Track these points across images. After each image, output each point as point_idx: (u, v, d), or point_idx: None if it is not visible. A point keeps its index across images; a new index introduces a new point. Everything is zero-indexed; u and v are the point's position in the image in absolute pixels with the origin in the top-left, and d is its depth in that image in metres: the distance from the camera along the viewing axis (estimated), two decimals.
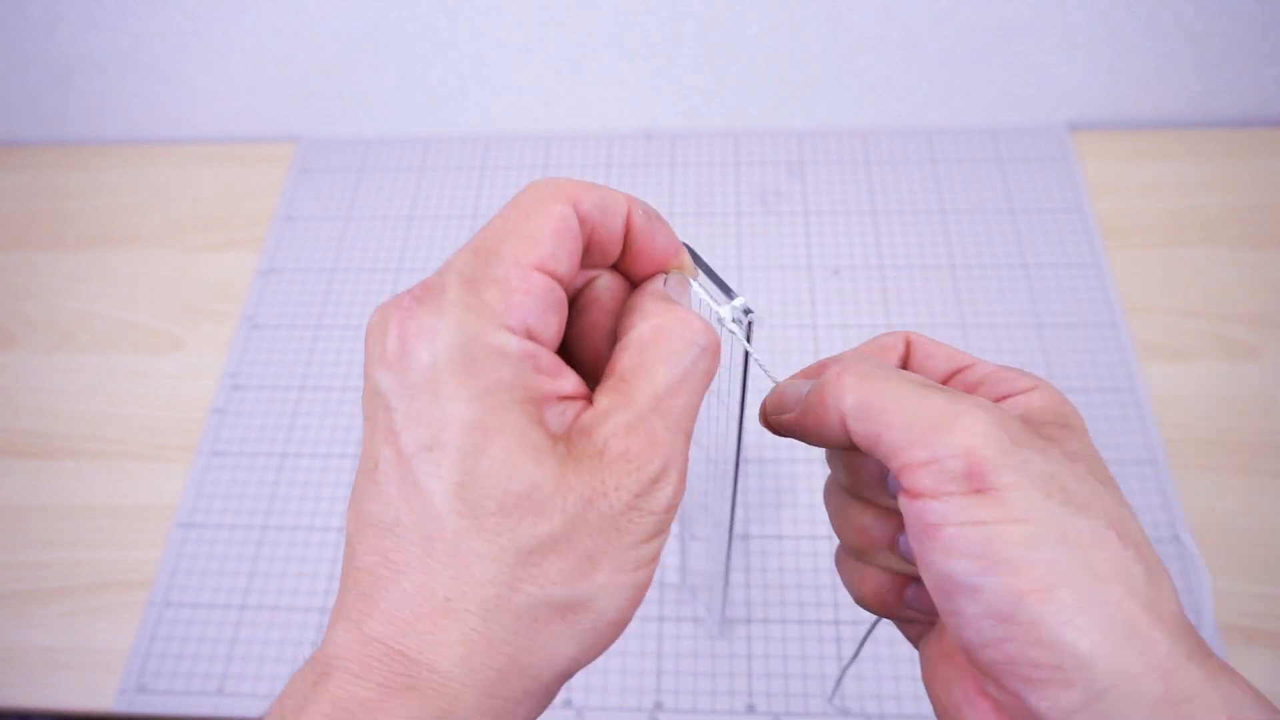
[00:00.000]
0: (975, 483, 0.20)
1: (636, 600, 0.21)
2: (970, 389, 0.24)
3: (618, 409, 0.21)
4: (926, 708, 0.49)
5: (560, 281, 0.21)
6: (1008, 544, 0.19)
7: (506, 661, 0.20)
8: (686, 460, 0.22)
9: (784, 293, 0.66)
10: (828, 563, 0.54)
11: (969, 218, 0.68)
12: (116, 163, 0.78)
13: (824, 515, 0.56)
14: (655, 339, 0.22)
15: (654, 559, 0.21)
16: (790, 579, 0.54)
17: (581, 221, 0.22)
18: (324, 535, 0.57)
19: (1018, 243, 0.67)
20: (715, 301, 0.25)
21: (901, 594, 0.25)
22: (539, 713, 0.21)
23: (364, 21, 0.69)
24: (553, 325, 0.21)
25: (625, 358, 0.22)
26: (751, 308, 0.25)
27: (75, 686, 0.54)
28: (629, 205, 0.23)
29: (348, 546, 0.21)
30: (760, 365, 0.26)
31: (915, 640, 0.26)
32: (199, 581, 0.56)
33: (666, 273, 0.24)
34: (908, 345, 0.26)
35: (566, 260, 0.21)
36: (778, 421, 0.26)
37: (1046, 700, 0.19)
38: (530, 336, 0.21)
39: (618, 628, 0.21)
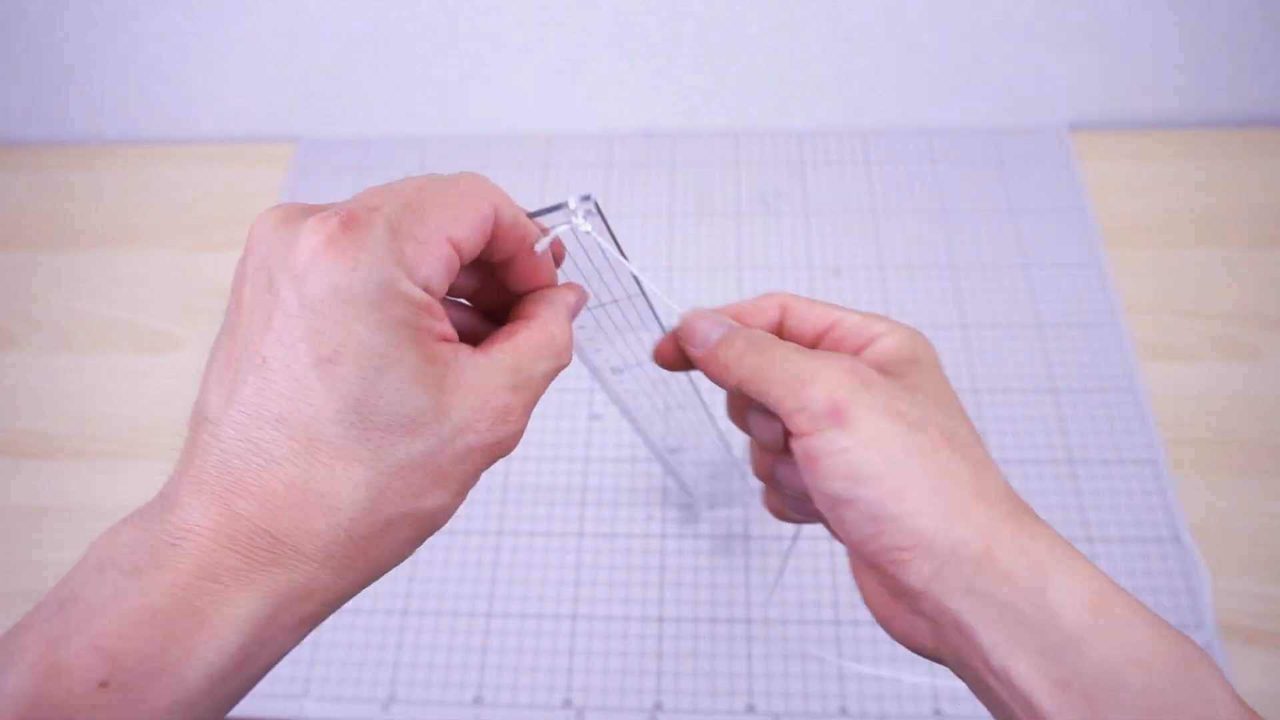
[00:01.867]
0: (836, 419, 0.26)
1: (454, 510, 0.25)
2: (836, 344, 0.31)
3: (512, 370, 0.25)
4: (927, 707, 0.50)
5: (460, 258, 0.25)
6: (867, 463, 0.25)
7: (359, 553, 0.23)
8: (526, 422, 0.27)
9: None
10: (828, 563, 0.54)
11: (969, 218, 0.69)
12: (116, 163, 0.78)
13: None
14: (550, 338, 0.27)
15: (474, 485, 0.26)
16: (790, 579, 0.54)
17: (495, 224, 0.25)
18: None
19: (1018, 243, 0.67)
20: (565, 219, 0.27)
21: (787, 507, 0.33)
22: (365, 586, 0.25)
23: (364, 21, 0.69)
24: (445, 287, 0.25)
25: (527, 337, 0.26)
26: (588, 194, 0.27)
27: None
28: (529, 239, 0.27)
29: (204, 424, 0.23)
30: (619, 250, 0.29)
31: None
32: None
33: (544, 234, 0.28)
34: (782, 311, 0.32)
35: (473, 246, 0.25)
36: (686, 351, 0.32)
37: (912, 573, 0.25)
38: (428, 291, 0.24)
39: (437, 531, 0.25)
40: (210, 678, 0.20)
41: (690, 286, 0.67)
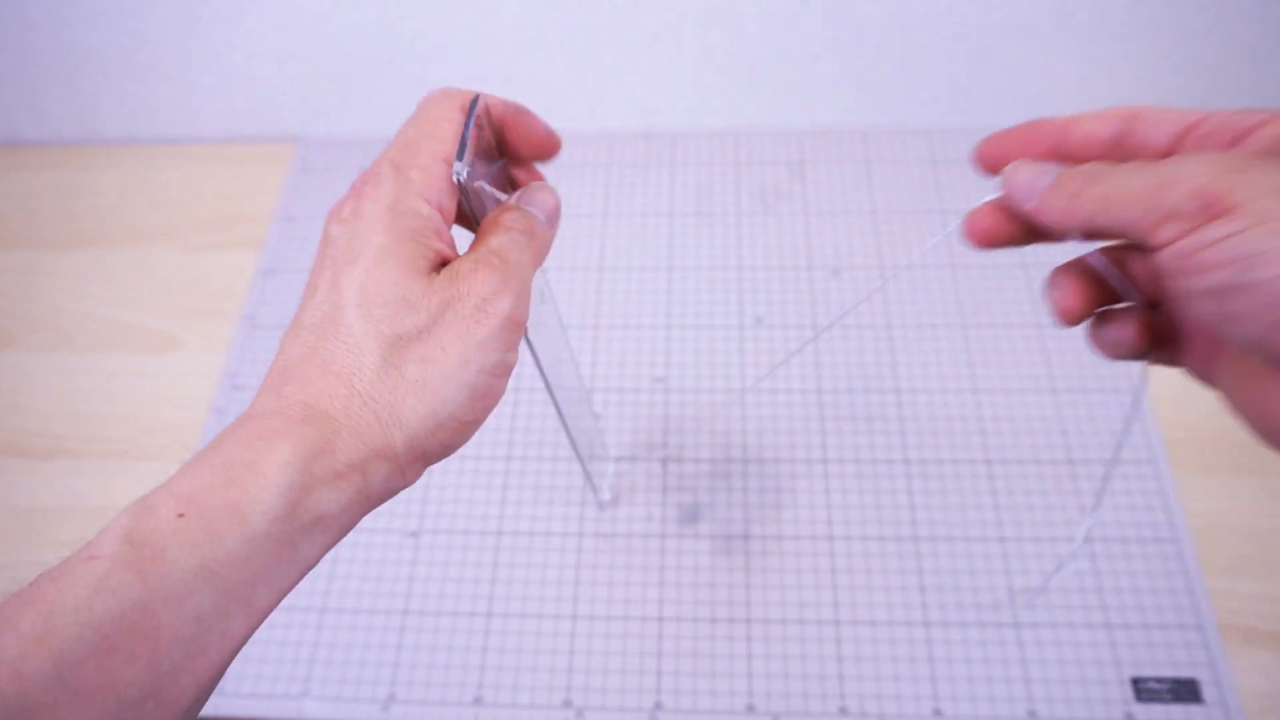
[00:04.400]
0: (1213, 211, 0.23)
1: (476, 403, 0.29)
2: (1201, 144, 0.27)
3: (470, 255, 0.30)
4: (927, 707, 0.50)
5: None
6: (1259, 240, 0.22)
7: (371, 416, 0.27)
8: (524, 299, 0.30)
9: (784, 293, 0.66)
10: (828, 562, 0.54)
11: None
12: (116, 163, 0.78)
13: (824, 515, 0.56)
14: (495, 222, 0.31)
15: (494, 371, 0.29)
16: (790, 579, 0.54)
17: (491, 113, 0.32)
18: None
19: None
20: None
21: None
22: (388, 479, 0.28)
23: (364, 21, 0.69)
24: (451, 205, 0.31)
25: (490, 229, 0.31)
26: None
27: None
28: (486, 101, 0.32)
29: (280, 349, 0.29)
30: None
31: (1201, 376, 0.29)
32: None
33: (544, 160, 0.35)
34: (1124, 122, 0.28)
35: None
36: (1016, 211, 0.29)
37: None
38: (440, 210, 0.30)
39: (458, 424, 0.29)
40: (267, 515, 0.25)
41: (690, 286, 0.67)
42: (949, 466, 0.57)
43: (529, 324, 0.36)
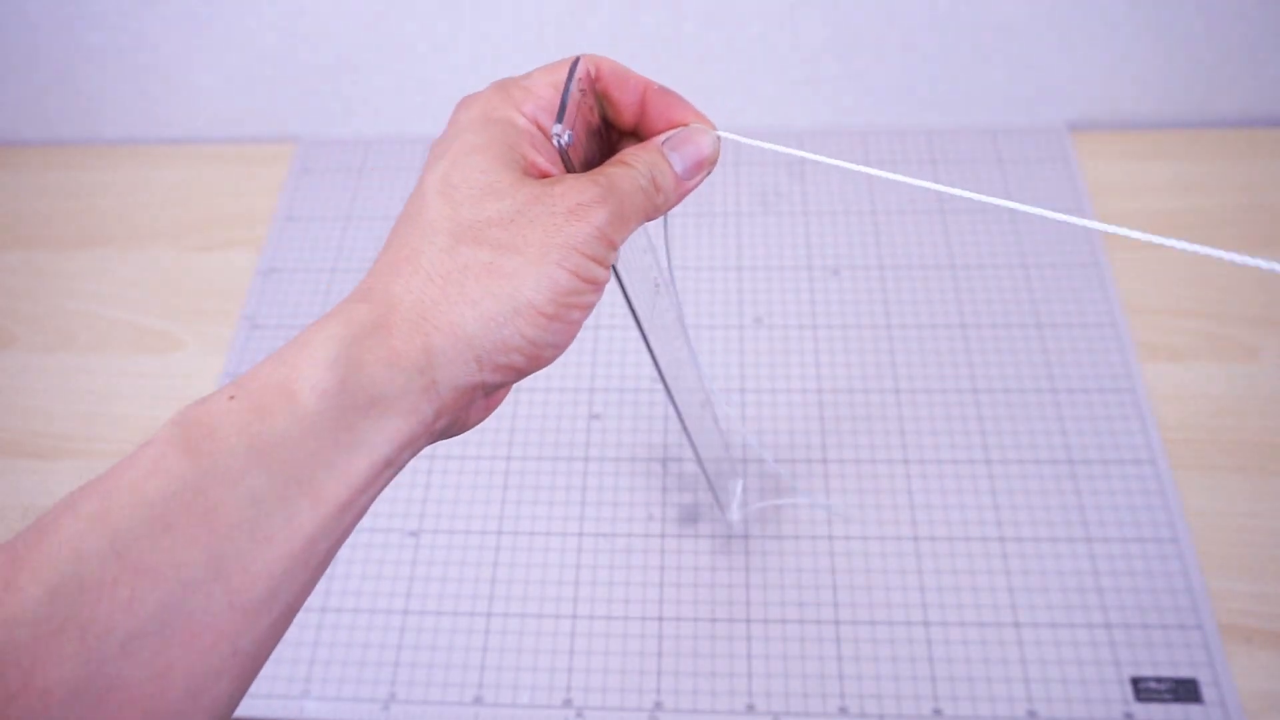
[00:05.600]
0: None
1: (555, 296, 0.26)
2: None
3: (593, 182, 0.27)
4: (927, 707, 0.50)
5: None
6: None
7: (437, 293, 0.26)
8: (622, 226, 0.28)
9: (784, 293, 0.66)
10: (828, 562, 0.54)
11: (969, 218, 0.69)
12: (116, 163, 0.78)
13: (824, 515, 0.56)
14: (622, 156, 0.29)
15: (578, 272, 0.26)
16: (790, 579, 0.54)
17: (597, 78, 0.30)
18: None
19: (1018, 243, 0.67)
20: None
21: None
22: (456, 367, 0.26)
23: (364, 22, 0.69)
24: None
25: (616, 164, 0.29)
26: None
27: None
28: (646, 82, 0.30)
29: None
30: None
31: None
32: None
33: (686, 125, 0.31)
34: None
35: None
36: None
37: None
38: (537, 125, 0.29)
39: (535, 316, 0.26)
40: (315, 391, 0.24)
41: (690, 286, 0.67)
42: (949, 466, 0.57)
43: (644, 319, 0.36)
